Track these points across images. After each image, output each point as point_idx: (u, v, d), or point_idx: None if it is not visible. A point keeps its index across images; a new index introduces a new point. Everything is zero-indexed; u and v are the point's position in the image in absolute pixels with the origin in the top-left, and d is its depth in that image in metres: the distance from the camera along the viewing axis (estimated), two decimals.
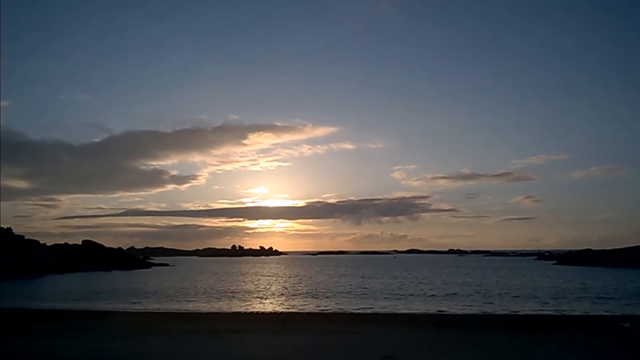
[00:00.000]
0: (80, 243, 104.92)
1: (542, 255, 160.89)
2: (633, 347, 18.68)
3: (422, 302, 38.42)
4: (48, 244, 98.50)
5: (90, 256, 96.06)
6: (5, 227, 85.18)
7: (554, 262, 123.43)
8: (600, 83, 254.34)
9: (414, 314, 31.25)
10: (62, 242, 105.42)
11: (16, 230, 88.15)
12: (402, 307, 35.19)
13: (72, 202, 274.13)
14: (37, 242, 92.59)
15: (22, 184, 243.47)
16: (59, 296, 44.25)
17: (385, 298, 41.49)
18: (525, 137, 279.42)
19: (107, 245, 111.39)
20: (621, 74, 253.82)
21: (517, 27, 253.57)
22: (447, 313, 31.86)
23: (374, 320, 27.23)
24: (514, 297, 41.79)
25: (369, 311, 33.19)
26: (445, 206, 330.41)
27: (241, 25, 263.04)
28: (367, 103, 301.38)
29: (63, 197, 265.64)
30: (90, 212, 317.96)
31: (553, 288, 49.64)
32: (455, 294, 44.35)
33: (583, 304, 36.94)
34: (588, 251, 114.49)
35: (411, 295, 43.88)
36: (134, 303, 39.24)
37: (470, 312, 32.63)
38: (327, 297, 42.76)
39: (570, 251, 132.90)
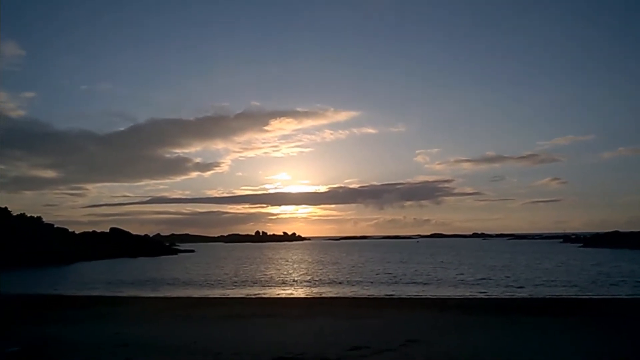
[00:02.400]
0: (107, 231, 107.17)
1: (568, 238, 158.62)
2: None
3: (450, 287, 37.88)
4: (77, 232, 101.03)
5: (118, 243, 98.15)
6: (35, 216, 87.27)
7: (580, 244, 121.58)
8: (626, 61, 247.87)
9: (439, 298, 31.19)
10: (90, 230, 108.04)
11: (46, 219, 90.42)
12: (429, 293, 34.91)
13: (98, 190, 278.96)
14: (66, 230, 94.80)
15: (49, 174, 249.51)
16: (86, 283, 45.24)
17: (412, 283, 41.24)
18: (551, 118, 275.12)
19: (133, 233, 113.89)
20: None
21: (541, 8, 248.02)
22: (473, 297, 31.71)
23: (398, 305, 27.25)
24: (541, 280, 41.23)
25: (394, 296, 33.23)
26: (469, 190, 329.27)
27: (261, 11, 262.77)
28: (389, 87, 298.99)
29: (90, 186, 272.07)
30: (116, 200, 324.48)
31: (582, 271, 48.91)
32: (483, 278, 43.56)
33: (614, 287, 36.26)
34: (616, 233, 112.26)
35: (438, 280, 43.30)
36: (160, 289, 39.93)
37: (497, 296, 32.42)
38: (351, 282, 42.86)
39: (597, 233, 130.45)
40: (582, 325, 18.84)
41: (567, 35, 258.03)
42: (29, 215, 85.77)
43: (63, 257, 75.94)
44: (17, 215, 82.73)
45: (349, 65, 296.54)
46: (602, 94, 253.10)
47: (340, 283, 42.47)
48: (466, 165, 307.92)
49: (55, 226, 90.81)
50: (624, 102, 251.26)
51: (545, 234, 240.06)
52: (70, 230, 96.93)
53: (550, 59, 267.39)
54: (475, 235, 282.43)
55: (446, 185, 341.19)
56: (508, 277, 44.59)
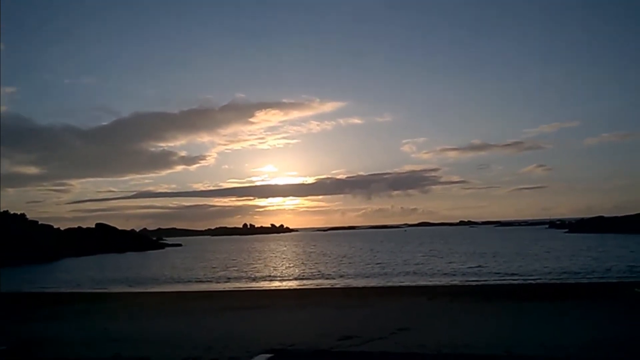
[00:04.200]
0: (93, 226, 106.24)
1: (553, 224, 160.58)
2: None
3: (441, 276, 37.72)
4: (62, 229, 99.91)
5: (104, 239, 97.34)
6: (19, 213, 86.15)
7: (566, 230, 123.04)
8: (609, 47, 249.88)
9: (428, 286, 31.35)
10: (76, 226, 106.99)
11: (30, 216, 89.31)
12: (419, 282, 34.76)
13: (83, 186, 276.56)
14: (51, 226, 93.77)
15: (32, 170, 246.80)
16: (73, 279, 44.80)
17: (402, 273, 41.10)
18: (536, 105, 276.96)
19: (120, 228, 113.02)
20: (632, 38, 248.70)
21: None
22: (462, 284, 31.91)
23: (388, 294, 27.31)
24: (532, 267, 41.46)
25: (383, 285, 33.34)
26: (455, 178, 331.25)
27: (245, 1, 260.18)
28: (374, 76, 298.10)
29: (74, 182, 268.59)
30: (101, 196, 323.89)
31: (571, 257, 49.32)
32: (475, 266, 43.34)
33: (604, 271, 36.58)
34: (600, 218, 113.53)
35: (430, 269, 43.03)
36: (148, 284, 39.69)
37: (485, 281, 32.66)
38: (340, 273, 42.94)
39: (582, 219, 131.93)
40: (576, 309, 18.98)
41: (552, 19, 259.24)
42: (11, 212, 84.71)
43: (48, 254, 75.11)
44: (0, 212, 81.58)
45: (334, 55, 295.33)
46: (587, 80, 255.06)
47: (329, 274, 42.52)
48: (452, 153, 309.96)
49: (39, 223, 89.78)
50: (607, 88, 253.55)
51: (530, 220, 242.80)
52: (55, 226, 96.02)
53: (536, 46, 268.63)
54: (462, 223, 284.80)
55: (433, 174, 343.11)
56: (499, 264, 44.77)
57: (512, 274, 36.38)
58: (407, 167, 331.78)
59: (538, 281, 31.97)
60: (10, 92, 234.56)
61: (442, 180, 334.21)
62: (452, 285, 31.49)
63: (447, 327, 15.68)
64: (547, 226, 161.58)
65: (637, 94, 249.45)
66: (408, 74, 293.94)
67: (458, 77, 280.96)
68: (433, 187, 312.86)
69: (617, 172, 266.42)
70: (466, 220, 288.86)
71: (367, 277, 38.96)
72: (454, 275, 37.59)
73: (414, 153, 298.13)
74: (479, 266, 43.08)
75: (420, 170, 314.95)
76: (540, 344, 12.29)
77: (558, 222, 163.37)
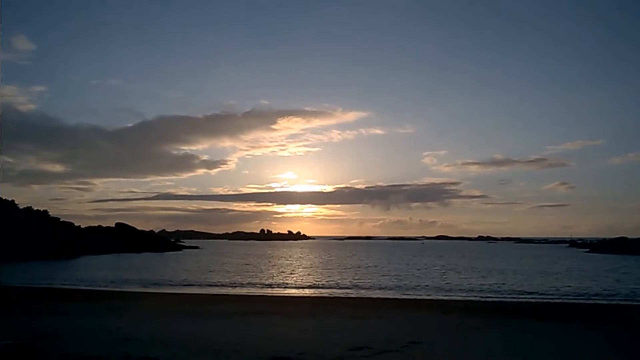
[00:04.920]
0: (113, 225, 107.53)
1: (574, 243, 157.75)
2: None
3: (458, 291, 36.89)
4: (83, 227, 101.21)
5: (123, 238, 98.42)
6: (42, 210, 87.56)
7: (587, 250, 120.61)
8: (635, 67, 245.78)
9: (443, 299, 30.94)
10: (96, 225, 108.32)
11: (52, 213, 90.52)
12: (436, 296, 34.04)
13: (105, 185, 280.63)
14: (72, 224, 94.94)
15: (57, 168, 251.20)
16: (90, 276, 45.23)
17: (418, 286, 40.42)
18: (560, 123, 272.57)
19: (139, 228, 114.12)
20: None
21: (552, 11, 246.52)
22: (477, 300, 31.41)
23: (401, 306, 27.03)
24: (553, 285, 40.61)
25: (397, 296, 32.99)
26: (476, 192, 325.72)
27: (269, 8, 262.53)
28: (397, 87, 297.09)
29: (97, 181, 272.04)
30: (123, 196, 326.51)
31: (595, 277, 48.16)
32: (495, 283, 42.26)
33: (625, 294, 35.63)
34: (622, 239, 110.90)
35: (448, 283, 42.27)
36: (164, 285, 39.90)
37: (502, 298, 32.11)
38: (355, 283, 42.64)
39: (604, 239, 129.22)
40: (591, 331, 18.55)
41: (579, 38, 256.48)
42: (35, 208, 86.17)
43: (68, 251, 76.16)
44: (24, 208, 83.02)
45: (358, 65, 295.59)
46: (612, 98, 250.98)
47: (343, 283, 42.23)
48: (473, 167, 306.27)
49: (61, 220, 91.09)
50: (634, 107, 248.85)
51: (551, 238, 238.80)
52: (76, 224, 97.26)
53: (562, 62, 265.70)
54: (480, 238, 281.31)
55: (453, 187, 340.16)
56: (519, 281, 43.65)
57: (531, 292, 35.59)
58: (427, 180, 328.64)
59: (557, 300, 31.27)
60: (39, 90, 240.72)
61: (462, 194, 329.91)
62: (468, 300, 31.00)
63: (460, 343, 15.42)
64: (567, 245, 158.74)
65: None
66: (431, 86, 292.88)
67: (481, 91, 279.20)
68: (453, 200, 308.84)
69: None
70: (485, 235, 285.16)
71: (381, 288, 38.56)
72: (471, 290, 36.94)
73: (435, 165, 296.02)
74: (498, 283, 42.26)
75: (441, 183, 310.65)
76: None
77: (579, 241, 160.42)
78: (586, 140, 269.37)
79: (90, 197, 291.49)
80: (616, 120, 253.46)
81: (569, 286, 39.56)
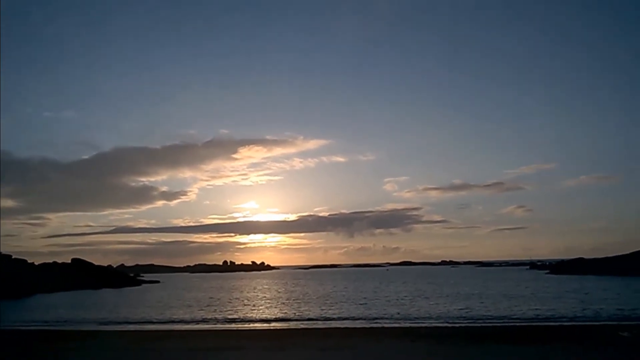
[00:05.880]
0: (69, 261, 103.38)
1: (534, 265, 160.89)
2: (632, 358, 18.17)
3: (427, 318, 36.62)
4: (36, 263, 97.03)
5: (80, 275, 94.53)
6: None
7: (547, 271, 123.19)
8: (589, 91, 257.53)
9: (411, 327, 30.56)
10: (51, 261, 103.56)
11: (3, 250, 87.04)
12: (404, 323, 33.67)
13: (60, 220, 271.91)
14: (25, 261, 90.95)
15: (9, 203, 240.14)
16: (45, 316, 42.94)
17: (385, 315, 39.59)
18: (516, 147, 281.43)
19: (96, 263, 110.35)
20: (610, 82, 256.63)
21: (509, 34, 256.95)
22: (446, 325, 31.17)
23: (370, 334, 26.46)
24: (514, 308, 40.99)
25: (365, 325, 32.44)
26: (436, 217, 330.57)
27: (230, 38, 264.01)
28: (358, 115, 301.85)
29: (51, 216, 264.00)
30: (79, 230, 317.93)
31: (552, 298, 48.90)
32: (462, 308, 41.93)
33: (580, 313, 36.34)
34: (580, 260, 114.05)
35: (416, 310, 41.91)
36: (123, 322, 38.19)
37: (469, 324, 31.97)
38: (321, 313, 41.88)
39: (563, 260, 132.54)
40: (561, 352, 18.47)
41: (533, 65, 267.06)
42: None
43: (20, 290, 72.51)
44: None
45: (319, 93, 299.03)
46: (566, 123, 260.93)
47: (311, 313, 41.39)
48: (434, 193, 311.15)
49: (12, 257, 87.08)
50: (585, 132, 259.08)
51: (511, 261, 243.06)
52: (29, 261, 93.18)
53: (516, 89, 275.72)
54: (443, 262, 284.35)
55: (414, 212, 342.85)
56: (485, 306, 43.86)
57: (500, 317, 35.64)
58: (389, 206, 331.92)
59: (525, 324, 31.34)
60: None
61: (424, 219, 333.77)
62: (437, 327, 30.72)
63: None
64: (528, 267, 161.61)
65: (615, 137, 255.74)
66: (391, 113, 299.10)
67: (439, 118, 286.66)
68: (415, 226, 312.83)
69: (595, 214, 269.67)
70: (448, 260, 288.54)
71: (349, 317, 37.93)
72: (439, 317, 36.68)
73: (396, 192, 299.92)
74: (465, 308, 42.18)
75: (402, 209, 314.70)
76: None
77: (539, 263, 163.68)
78: (540, 164, 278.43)
79: (45, 233, 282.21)
80: (569, 143, 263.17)
81: (537, 309, 39.90)
